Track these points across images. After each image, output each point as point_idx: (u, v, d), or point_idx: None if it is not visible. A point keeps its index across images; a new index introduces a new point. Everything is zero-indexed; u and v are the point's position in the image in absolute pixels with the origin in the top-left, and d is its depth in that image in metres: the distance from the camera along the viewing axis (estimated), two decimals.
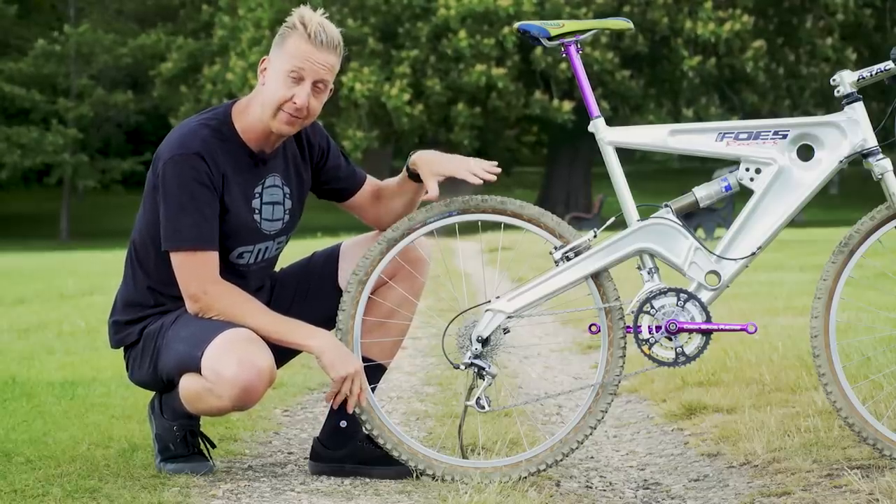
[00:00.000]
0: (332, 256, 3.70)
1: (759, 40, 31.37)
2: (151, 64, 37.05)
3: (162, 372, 3.47)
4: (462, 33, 30.37)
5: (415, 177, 3.59)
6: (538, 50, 30.22)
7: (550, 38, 3.51)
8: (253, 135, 3.46)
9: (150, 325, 3.50)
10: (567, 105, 31.39)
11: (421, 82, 31.59)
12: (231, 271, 3.50)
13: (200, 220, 3.36)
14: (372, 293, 3.56)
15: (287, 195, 3.56)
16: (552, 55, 29.86)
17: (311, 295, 3.67)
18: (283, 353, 3.53)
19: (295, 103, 3.38)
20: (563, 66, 30.61)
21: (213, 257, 3.39)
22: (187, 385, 3.39)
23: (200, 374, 3.34)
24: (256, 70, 3.54)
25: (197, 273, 3.38)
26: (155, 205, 3.42)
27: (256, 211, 3.50)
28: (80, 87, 37.30)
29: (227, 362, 3.29)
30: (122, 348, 3.59)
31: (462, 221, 3.56)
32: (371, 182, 3.72)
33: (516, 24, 3.58)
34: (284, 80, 3.39)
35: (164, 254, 3.44)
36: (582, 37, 3.53)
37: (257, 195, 3.49)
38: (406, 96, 30.76)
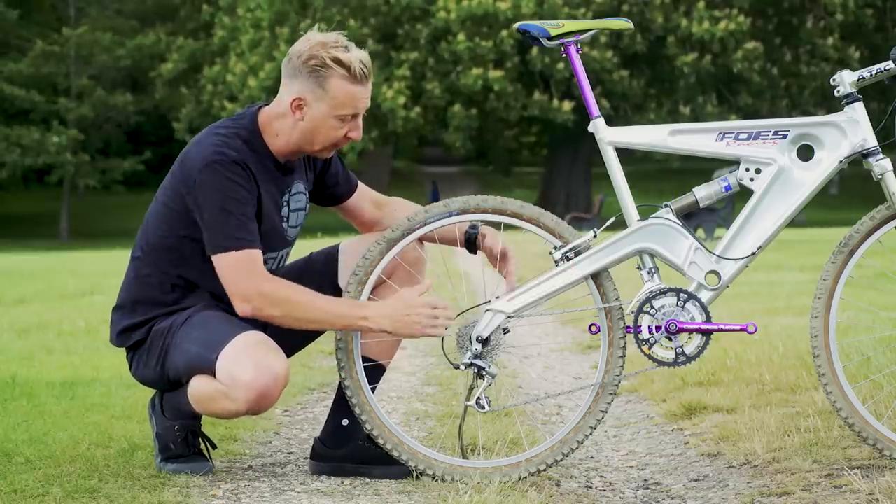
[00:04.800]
0: (331, 256, 3.70)
1: (753, 42, 31.37)
2: (151, 64, 37.03)
3: (170, 371, 3.46)
4: (461, 36, 30.38)
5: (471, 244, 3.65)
6: (535, 50, 30.23)
7: (550, 39, 3.50)
8: (282, 149, 3.48)
9: (158, 324, 3.49)
10: (567, 105, 31.39)
11: (420, 84, 31.59)
12: None
13: (246, 221, 3.36)
14: (371, 293, 3.56)
15: (307, 200, 3.62)
16: (550, 55, 29.86)
17: None
18: (288, 350, 3.53)
19: (351, 138, 3.47)
20: (561, 65, 30.62)
21: (260, 256, 3.38)
22: (199, 386, 3.39)
23: (212, 375, 3.34)
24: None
25: (247, 272, 3.34)
26: (177, 208, 3.42)
27: (285, 218, 3.54)
28: (79, 87, 37.29)
29: (245, 366, 3.29)
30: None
31: (462, 222, 3.56)
32: (368, 189, 3.78)
33: (516, 25, 3.57)
34: (336, 122, 3.43)
35: (176, 252, 3.45)
36: (582, 37, 3.53)
37: (285, 203, 3.53)
38: (402, 99, 30.74)
